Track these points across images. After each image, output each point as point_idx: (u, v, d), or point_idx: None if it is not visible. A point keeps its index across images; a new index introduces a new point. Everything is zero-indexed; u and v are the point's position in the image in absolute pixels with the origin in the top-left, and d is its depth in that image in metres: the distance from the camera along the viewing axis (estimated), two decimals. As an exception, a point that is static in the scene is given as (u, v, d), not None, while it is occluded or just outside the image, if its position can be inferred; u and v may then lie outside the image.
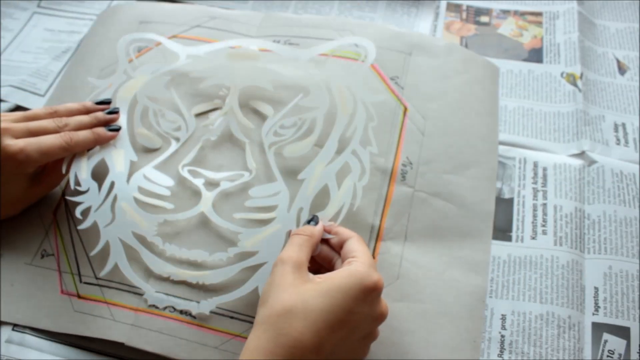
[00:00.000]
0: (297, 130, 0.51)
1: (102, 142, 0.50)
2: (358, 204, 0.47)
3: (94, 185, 0.48)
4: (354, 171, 0.48)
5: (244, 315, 0.45)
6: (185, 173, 0.49)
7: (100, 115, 0.51)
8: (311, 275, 0.39)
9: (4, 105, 0.60)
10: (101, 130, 0.50)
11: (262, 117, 0.52)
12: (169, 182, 0.50)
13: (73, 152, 0.48)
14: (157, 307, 0.45)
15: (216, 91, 0.54)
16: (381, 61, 0.57)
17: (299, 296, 0.36)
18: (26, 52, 0.67)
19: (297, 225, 0.46)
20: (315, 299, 0.36)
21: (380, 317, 0.39)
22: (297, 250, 0.40)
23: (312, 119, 0.51)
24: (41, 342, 0.46)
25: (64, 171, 0.49)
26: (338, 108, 0.51)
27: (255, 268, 0.45)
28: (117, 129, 0.51)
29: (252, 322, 0.44)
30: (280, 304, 0.36)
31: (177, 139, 0.52)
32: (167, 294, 0.46)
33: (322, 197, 0.47)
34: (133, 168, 0.50)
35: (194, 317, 0.45)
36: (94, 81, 0.55)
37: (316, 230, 0.43)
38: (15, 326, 0.47)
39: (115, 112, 0.51)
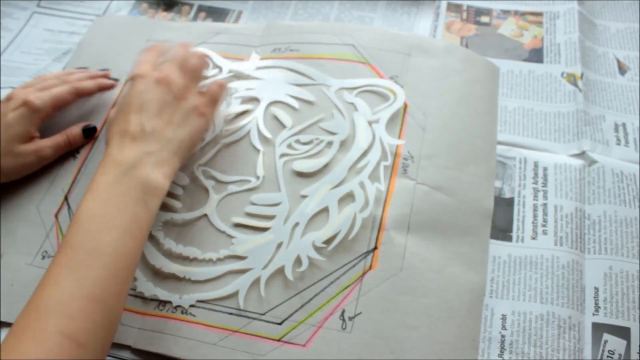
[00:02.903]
0: (312, 148, 0.52)
1: (104, 89, 0.58)
2: (354, 234, 0.47)
3: None
4: (357, 201, 0.49)
5: (243, 311, 0.45)
6: (198, 173, 0.52)
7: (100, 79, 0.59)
8: None
9: (5, 106, 0.60)
10: (102, 80, 0.58)
11: (281, 127, 0.54)
12: (185, 180, 0.52)
13: (79, 96, 0.55)
14: (144, 296, 0.47)
15: (247, 101, 0.56)
16: (380, 62, 0.58)
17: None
18: (26, 53, 0.67)
19: (290, 239, 0.47)
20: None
21: (179, 95, 0.47)
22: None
23: (329, 142, 0.53)
24: (42, 343, 0.46)
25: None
26: (356, 139, 0.52)
27: (241, 272, 0.47)
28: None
29: (251, 318, 0.45)
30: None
31: (202, 139, 0.54)
32: (155, 284, 0.47)
33: (320, 218, 0.48)
34: None
35: (188, 313, 0.45)
36: None
37: None
38: (16, 327, 0.47)
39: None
